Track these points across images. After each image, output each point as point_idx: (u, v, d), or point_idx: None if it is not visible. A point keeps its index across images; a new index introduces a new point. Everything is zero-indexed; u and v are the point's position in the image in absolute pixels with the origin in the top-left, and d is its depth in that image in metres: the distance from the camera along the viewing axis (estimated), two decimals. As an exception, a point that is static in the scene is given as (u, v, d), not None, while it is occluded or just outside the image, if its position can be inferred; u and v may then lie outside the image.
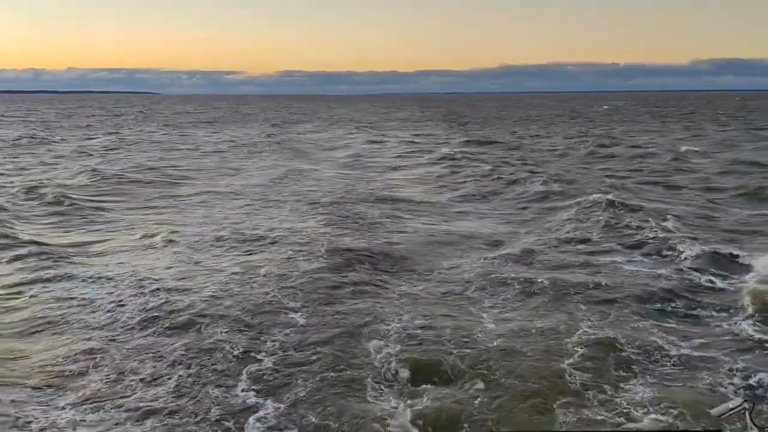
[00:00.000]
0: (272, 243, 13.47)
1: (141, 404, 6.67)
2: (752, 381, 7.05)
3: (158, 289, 10.25)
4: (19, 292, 10.41)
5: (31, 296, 10.20)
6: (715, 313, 9.25)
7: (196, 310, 9.24)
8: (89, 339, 8.36)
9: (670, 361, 7.64)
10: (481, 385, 7.09)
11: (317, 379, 7.25)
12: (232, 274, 11.20)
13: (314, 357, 7.80)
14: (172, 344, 8.12)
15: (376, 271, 11.59)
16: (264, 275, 11.03)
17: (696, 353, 7.85)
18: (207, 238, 14.00)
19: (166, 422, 6.35)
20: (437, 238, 14.13)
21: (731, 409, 3.11)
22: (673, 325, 8.81)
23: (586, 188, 19.56)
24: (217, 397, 6.84)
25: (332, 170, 26.97)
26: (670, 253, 12.21)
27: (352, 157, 32.43)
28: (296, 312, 9.35)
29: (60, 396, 6.93)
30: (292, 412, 6.58)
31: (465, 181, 23.22)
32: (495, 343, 8.13)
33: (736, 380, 7.10)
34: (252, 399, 6.84)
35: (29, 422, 6.35)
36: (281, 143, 40.11)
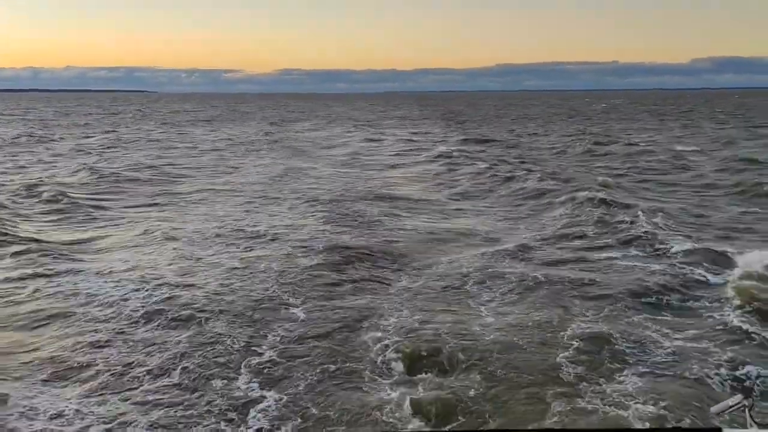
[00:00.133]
0: (272, 240, 13.62)
1: (147, 396, 6.84)
2: (738, 373, 7.22)
3: (160, 284, 10.41)
4: (23, 287, 10.55)
5: (35, 291, 10.35)
6: (705, 307, 9.42)
7: (198, 305, 9.41)
8: (95, 332, 8.53)
9: (661, 354, 7.81)
10: (478, 376, 7.27)
11: (317, 371, 7.42)
12: (233, 269, 11.36)
13: (314, 350, 7.98)
14: (176, 337, 8.29)
15: (375, 267, 11.75)
16: (264, 271, 11.19)
17: (687, 345, 8.02)
18: (207, 234, 14.15)
19: (171, 413, 6.51)
20: (435, 235, 14.29)
21: (731, 407, 3.10)
22: (665, 319, 8.99)
23: (581, 186, 19.74)
24: (221, 389, 7.00)
25: (330, 168, 27.11)
26: (663, 249, 12.38)
27: (350, 156, 32.57)
28: (296, 307, 9.52)
29: (67, 387, 7.10)
30: (293, 404, 6.74)
31: (462, 179, 23.38)
32: (492, 336, 8.30)
33: (723, 371, 7.27)
34: (254, 391, 6.99)
35: (37, 413, 6.50)
36: (279, 141, 40.25)
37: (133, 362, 7.59)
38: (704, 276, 10.77)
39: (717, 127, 51.21)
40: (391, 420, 6.42)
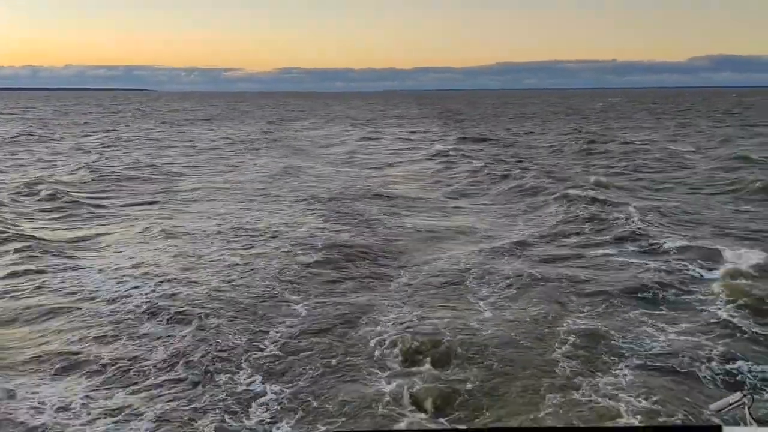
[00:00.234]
0: (272, 237, 13.79)
1: (152, 389, 7.01)
2: (728, 366, 7.41)
3: (162, 281, 10.57)
4: (27, 284, 10.70)
5: (38, 287, 10.50)
6: (698, 302, 9.60)
7: (200, 301, 9.58)
8: (100, 327, 8.70)
9: (655, 348, 7.98)
10: (475, 369, 7.45)
11: (318, 365, 7.60)
12: (234, 266, 11.52)
13: (315, 345, 8.16)
14: (179, 332, 8.46)
15: (375, 264, 11.94)
16: (264, 268, 11.35)
17: (680, 340, 8.20)
18: (207, 232, 14.31)
19: (175, 405, 6.67)
20: (433, 233, 14.48)
21: (730, 404, 3.09)
22: (658, 314, 9.17)
23: (577, 183, 19.95)
24: (225, 382, 7.18)
25: (329, 167, 27.28)
26: (656, 246, 12.58)
27: (349, 154, 32.73)
28: (297, 303, 9.70)
29: (74, 380, 7.26)
30: (295, 397, 6.91)
31: (460, 178, 23.55)
32: (490, 331, 8.48)
33: (715, 365, 7.45)
34: (256, 384, 7.17)
35: (44, 405, 6.67)
36: (278, 140, 40.40)
37: (138, 356, 7.76)
38: (698, 273, 10.95)
39: (713, 126, 51.39)
40: (390, 412, 6.59)
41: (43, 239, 13.78)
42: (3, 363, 7.75)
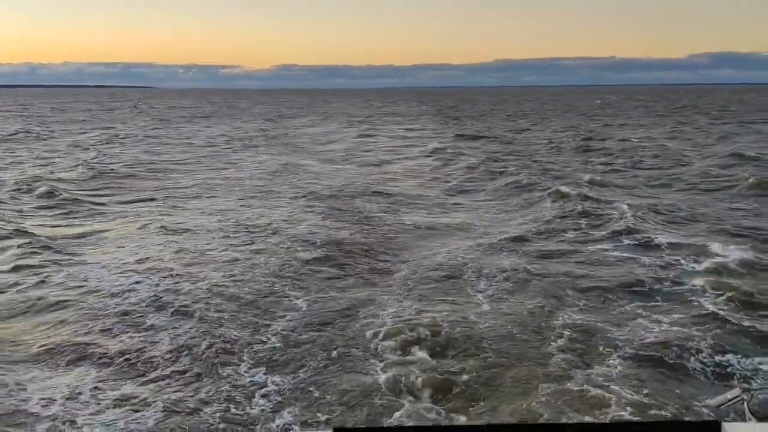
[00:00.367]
0: (272, 233, 13.96)
1: (159, 381, 7.21)
2: (717, 359, 7.63)
3: (164, 276, 10.76)
4: (30, 279, 10.87)
5: (42, 282, 10.68)
6: (690, 297, 9.78)
7: (202, 295, 9.76)
8: (106, 319, 8.90)
9: (648, 339, 8.17)
10: (472, 360, 7.66)
11: (319, 357, 7.80)
12: (234, 262, 11.70)
13: (315, 338, 8.36)
14: (183, 325, 8.64)
15: (374, 259, 12.14)
16: (265, 264, 11.53)
17: (672, 332, 8.40)
18: (208, 228, 14.49)
19: (182, 396, 6.87)
20: (432, 229, 14.69)
21: (729, 400, 3.12)
22: (652, 308, 9.36)
23: (573, 180, 20.16)
24: (229, 374, 7.36)
25: (328, 164, 27.45)
26: (650, 242, 12.78)
27: (347, 151, 32.90)
28: (298, 298, 9.89)
29: (83, 371, 7.46)
30: (296, 388, 7.11)
31: (457, 174, 23.76)
32: (487, 324, 8.69)
33: (703, 357, 7.67)
34: (259, 376, 7.36)
35: (54, 396, 6.86)
36: (277, 137, 40.56)
37: (144, 348, 7.95)
38: (691, 268, 11.16)
39: (711, 123, 51.60)
40: (388, 402, 6.79)
41: (44, 236, 13.92)
42: (14, 355, 7.95)
